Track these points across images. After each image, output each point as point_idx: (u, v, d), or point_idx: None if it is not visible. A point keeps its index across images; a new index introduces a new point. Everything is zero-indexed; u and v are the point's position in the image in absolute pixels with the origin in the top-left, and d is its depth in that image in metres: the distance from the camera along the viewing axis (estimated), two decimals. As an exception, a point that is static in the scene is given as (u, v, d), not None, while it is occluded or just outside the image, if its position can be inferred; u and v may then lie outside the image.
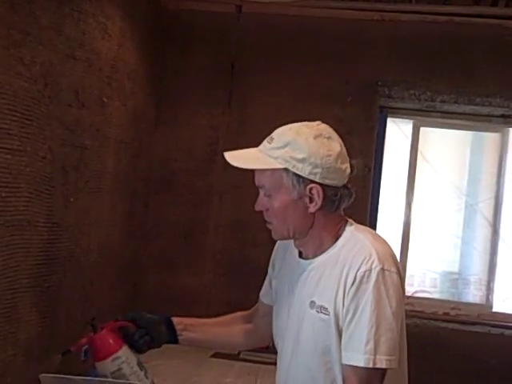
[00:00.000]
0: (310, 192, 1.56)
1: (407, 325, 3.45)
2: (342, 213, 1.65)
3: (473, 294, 3.72)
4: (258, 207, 1.65)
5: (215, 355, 3.20)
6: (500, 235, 3.66)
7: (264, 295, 1.91)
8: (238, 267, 3.46)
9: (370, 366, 1.45)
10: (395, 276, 1.51)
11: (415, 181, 3.70)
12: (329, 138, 1.57)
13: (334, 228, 1.63)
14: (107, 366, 1.69)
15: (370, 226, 3.48)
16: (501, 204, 3.66)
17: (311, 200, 1.57)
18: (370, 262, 1.50)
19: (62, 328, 2.44)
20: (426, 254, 3.77)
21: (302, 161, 1.53)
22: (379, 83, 3.43)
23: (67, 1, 2.22)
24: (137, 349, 1.75)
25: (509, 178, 3.66)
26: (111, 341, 1.70)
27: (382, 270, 1.49)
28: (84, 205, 2.53)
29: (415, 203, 3.71)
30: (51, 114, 2.15)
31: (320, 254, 1.63)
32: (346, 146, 1.60)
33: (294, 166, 1.54)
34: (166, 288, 3.51)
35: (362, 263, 1.50)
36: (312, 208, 1.58)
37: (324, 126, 1.61)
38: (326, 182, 1.55)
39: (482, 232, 3.72)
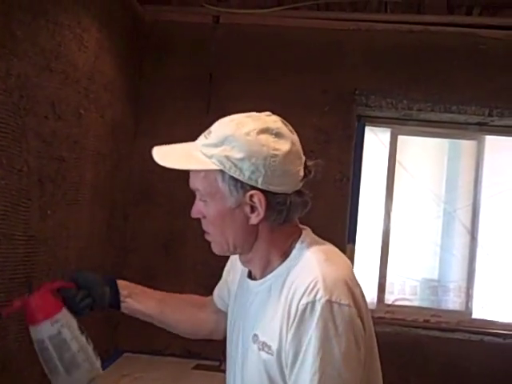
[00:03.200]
0: (251, 200, 1.30)
1: (387, 333, 3.50)
2: (297, 222, 1.41)
3: (452, 301, 3.75)
4: (193, 213, 1.41)
5: (197, 367, 3.19)
6: (478, 242, 3.69)
7: (218, 297, 1.73)
8: (218, 278, 3.41)
9: None
10: (346, 309, 1.22)
11: (394, 189, 3.72)
12: (277, 133, 1.30)
13: (282, 243, 1.37)
14: (45, 329, 1.49)
15: (350, 236, 3.57)
16: (478, 211, 3.70)
17: (252, 209, 1.31)
18: (314, 291, 1.22)
19: (41, 342, 2.41)
20: (406, 261, 3.79)
21: (241, 161, 1.27)
22: (356, 92, 3.45)
23: (42, 13, 2.20)
24: (77, 312, 1.55)
25: (486, 184, 3.70)
26: (49, 302, 1.51)
27: (329, 302, 1.21)
28: (62, 217, 2.51)
29: (394, 211, 3.73)
30: (27, 126, 2.14)
31: (267, 275, 1.38)
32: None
33: (230, 168, 1.28)
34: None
35: (304, 293, 1.23)
36: (253, 219, 1.32)
37: (274, 118, 1.35)
38: (271, 188, 1.29)
39: (460, 239, 3.76)
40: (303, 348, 1.21)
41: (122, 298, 1.64)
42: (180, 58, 3.53)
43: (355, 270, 3.81)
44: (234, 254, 1.45)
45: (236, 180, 1.29)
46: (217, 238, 1.39)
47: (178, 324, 1.75)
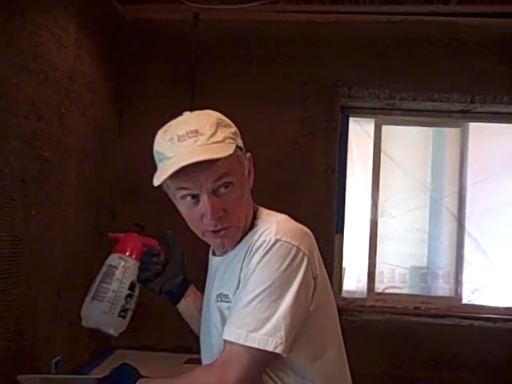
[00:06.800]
0: (249, 161, 1.47)
1: (379, 321, 3.52)
2: None
3: (442, 288, 3.77)
4: (214, 214, 1.36)
5: (189, 361, 3.21)
6: (465, 228, 3.71)
7: None
8: (206, 272, 3.46)
9: (241, 342, 1.26)
10: (294, 250, 1.29)
11: (380, 179, 3.74)
12: None
13: (250, 212, 1.47)
14: (113, 257, 1.71)
15: (338, 226, 3.58)
16: (464, 197, 3.72)
17: (249, 172, 1.47)
18: (267, 233, 1.33)
19: (30, 342, 2.43)
20: (395, 250, 3.81)
21: (235, 134, 1.42)
22: (339, 84, 3.46)
23: (19, 14, 2.22)
24: (142, 270, 1.69)
25: (471, 171, 3.73)
26: (132, 245, 1.73)
27: (278, 240, 1.30)
28: (47, 217, 2.52)
29: (381, 201, 3.75)
30: (7, 127, 2.15)
31: (238, 244, 1.46)
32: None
33: (235, 140, 1.41)
34: (138, 296, 3.49)
35: (259, 237, 1.34)
36: (251, 182, 1.47)
37: None
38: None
39: (447, 226, 3.78)
40: (248, 276, 1.31)
41: (186, 294, 1.75)
42: (162, 55, 3.54)
43: (345, 260, 3.75)
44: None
45: (240, 148, 1.42)
46: (237, 223, 1.42)
47: None
